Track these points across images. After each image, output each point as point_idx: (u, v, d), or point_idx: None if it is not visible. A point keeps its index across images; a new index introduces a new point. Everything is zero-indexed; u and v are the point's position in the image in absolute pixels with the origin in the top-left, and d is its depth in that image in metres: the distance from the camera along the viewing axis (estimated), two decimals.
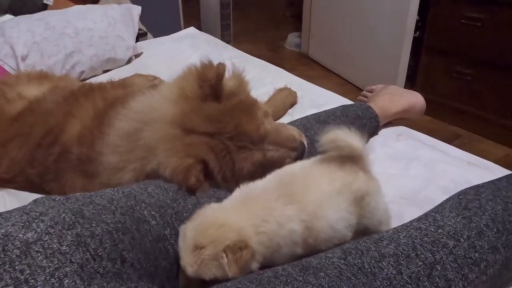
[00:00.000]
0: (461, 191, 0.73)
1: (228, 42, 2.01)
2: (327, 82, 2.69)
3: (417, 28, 2.28)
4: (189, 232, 0.59)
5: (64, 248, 0.50)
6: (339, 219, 0.66)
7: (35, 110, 0.97)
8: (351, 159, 0.70)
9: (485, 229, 0.63)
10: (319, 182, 0.67)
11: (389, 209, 0.76)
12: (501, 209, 0.67)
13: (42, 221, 0.52)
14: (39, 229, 0.51)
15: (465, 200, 0.69)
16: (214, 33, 2.08)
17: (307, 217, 0.63)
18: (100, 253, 0.52)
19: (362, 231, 0.71)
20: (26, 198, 0.85)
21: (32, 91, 1.06)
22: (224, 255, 0.56)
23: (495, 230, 0.64)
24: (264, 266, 0.61)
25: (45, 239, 0.50)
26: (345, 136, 0.67)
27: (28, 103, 1.01)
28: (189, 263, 0.57)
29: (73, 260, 0.50)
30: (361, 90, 1.37)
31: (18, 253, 0.48)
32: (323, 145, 0.68)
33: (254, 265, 0.60)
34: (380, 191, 0.73)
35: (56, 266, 0.49)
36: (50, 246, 0.50)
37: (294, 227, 0.62)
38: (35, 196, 0.83)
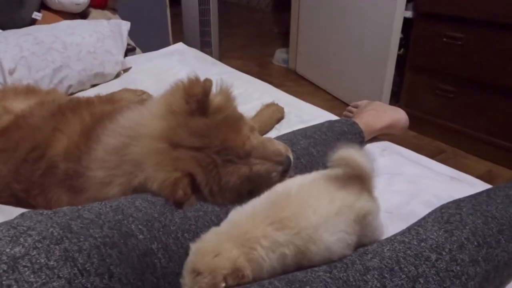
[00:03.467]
0: (443, 205, 0.75)
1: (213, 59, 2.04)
2: (315, 98, 2.72)
3: (401, 45, 2.34)
4: (190, 255, 0.61)
5: (51, 263, 0.50)
6: (337, 241, 0.64)
7: (21, 125, 0.97)
8: (356, 179, 0.69)
9: (466, 243, 0.65)
10: (316, 204, 0.66)
11: (384, 232, 0.76)
12: (481, 223, 0.69)
13: (30, 235, 0.52)
14: (26, 244, 0.51)
15: (447, 214, 0.71)
16: (195, 49, 2.11)
17: (300, 241, 0.62)
18: (88, 268, 0.52)
19: None
20: (11, 212, 0.84)
21: (19, 105, 1.05)
22: (223, 284, 0.57)
23: (475, 243, 0.66)
24: None
25: (33, 253, 0.50)
26: (357, 155, 0.67)
27: (14, 117, 1.00)
28: (186, 284, 0.58)
29: (60, 275, 0.50)
30: (348, 105, 1.39)
31: (5, 268, 0.48)
32: (334, 161, 0.68)
33: None
34: (379, 214, 0.73)
35: (43, 281, 0.48)
36: (38, 261, 0.50)
37: (285, 251, 0.62)
38: (20, 210, 0.82)
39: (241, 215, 0.67)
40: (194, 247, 0.61)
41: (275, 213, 0.64)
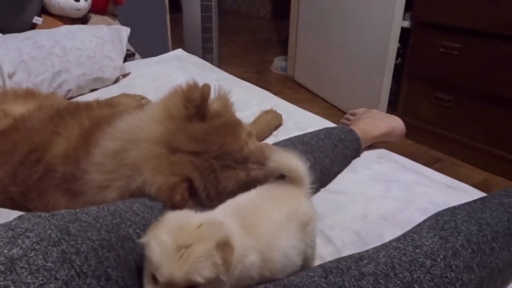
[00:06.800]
0: (438, 212, 0.76)
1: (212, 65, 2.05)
2: (312, 106, 2.74)
3: (398, 55, 2.36)
4: (165, 236, 0.52)
5: (49, 264, 0.50)
6: (291, 247, 0.65)
7: (19, 128, 0.97)
8: (293, 184, 0.71)
9: (460, 249, 0.66)
10: (269, 212, 0.66)
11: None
12: (475, 230, 0.69)
13: (28, 237, 0.52)
14: (24, 245, 0.51)
15: (442, 221, 0.71)
16: (196, 55, 2.13)
17: (263, 247, 0.61)
18: (85, 270, 0.53)
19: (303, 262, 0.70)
20: (8, 215, 0.84)
21: (18, 108, 1.06)
22: (216, 253, 0.51)
23: (470, 250, 0.66)
24: None
25: (31, 255, 0.50)
26: (292, 159, 0.69)
27: (13, 120, 1.00)
28: (175, 268, 0.50)
29: (58, 276, 0.50)
30: (345, 113, 1.40)
31: (2, 269, 0.48)
32: (271, 164, 0.69)
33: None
34: (316, 227, 0.73)
35: (40, 282, 0.49)
36: (35, 262, 0.50)
37: (253, 259, 0.60)
38: (17, 214, 0.82)
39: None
40: (163, 230, 0.54)
41: (241, 221, 0.62)
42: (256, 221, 0.63)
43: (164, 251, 0.51)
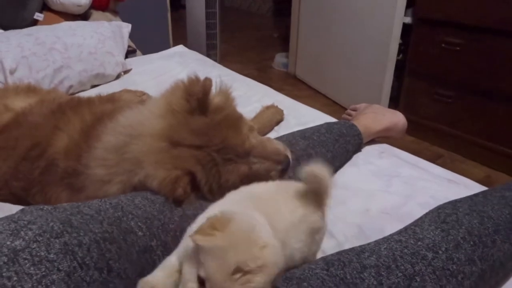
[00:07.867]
0: (440, 205, 0.76)
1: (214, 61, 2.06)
2: (314, 102, 2.73)
3: (400, 51, 2.35)
4: (228, 252, 0.49)
5: (51, 256, 0.51)
6: (298, 250, 0.64)
7: (21, 123, 0.97)
8: (314, 196, 0.68)
9: (462, 242, 0.66)
10: (283, 209, 0.64)
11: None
12: (477, 223, 0.69)
13: (30, 229, 0.53)
14: (27, 237, 0.51)
15: (444, 214, 0.71)
16: (200, 52, 2.13)
17: (279, 242, 0.59)
18: (87, 262, 0.53)
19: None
20: (10, 209, 0.84)
21: (19, 103, 1.06)
22: (270, 286, 0.50)
23: (471, 243, 0.66)
24: None
25: (33, 246, 0.51)
26: (326, 173, 0.66)
27: (14, 115, 1.01)
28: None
29: (60, 268, 0.50)
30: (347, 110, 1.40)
31: (5, 260, 0.49)
32: (304, 174, 0.66)
33: None
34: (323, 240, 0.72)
35: (43, 273, 0.49)
36: (38, 253, 0.50)
37: None
38: (19, 208, 0.83)
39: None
40: (226, 241, 0.50)
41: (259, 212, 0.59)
42: (271, 216, 0.60)
43: (223, 267, 0.49)
